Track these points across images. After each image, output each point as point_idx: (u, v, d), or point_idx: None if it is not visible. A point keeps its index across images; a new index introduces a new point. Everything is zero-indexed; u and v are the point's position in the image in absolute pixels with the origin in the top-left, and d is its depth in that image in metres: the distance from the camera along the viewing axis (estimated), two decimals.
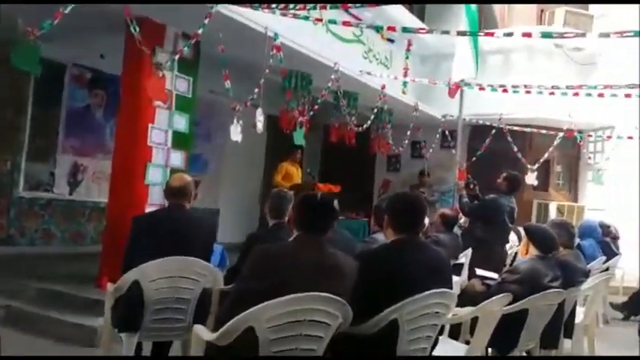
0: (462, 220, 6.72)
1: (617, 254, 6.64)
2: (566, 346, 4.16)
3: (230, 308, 2.35)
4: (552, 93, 7.34)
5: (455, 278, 3.90)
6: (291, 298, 2.19)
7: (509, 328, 3.31)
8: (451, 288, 2.85)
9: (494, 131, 9.14)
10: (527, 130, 9.37)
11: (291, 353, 2.27)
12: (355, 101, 8.04)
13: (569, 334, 4.12)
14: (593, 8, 10.21)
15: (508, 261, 6.06)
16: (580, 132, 9.28)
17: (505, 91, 7.57)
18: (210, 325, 2.79)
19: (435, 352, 2.89)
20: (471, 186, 6.30)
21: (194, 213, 3.67)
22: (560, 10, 9.95)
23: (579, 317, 4.40)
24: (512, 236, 6.39)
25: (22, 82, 6.99)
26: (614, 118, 9.25)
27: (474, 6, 7.67)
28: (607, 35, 4.57)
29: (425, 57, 10.19)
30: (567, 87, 7.09)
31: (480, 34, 6.85)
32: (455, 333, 3.56)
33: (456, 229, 6.31)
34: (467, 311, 3.27)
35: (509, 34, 5.68)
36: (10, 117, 7.01)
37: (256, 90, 5.67)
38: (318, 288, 2.26)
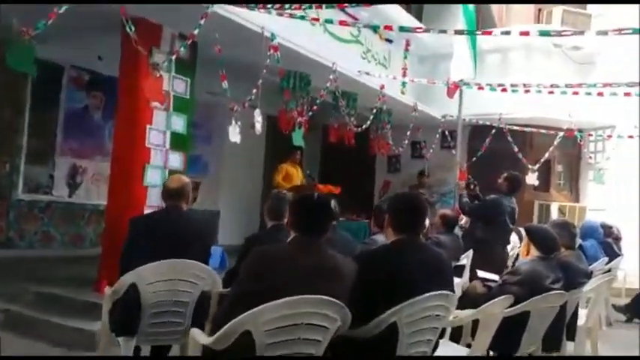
0: (463, 221, 6.68)
1: (619, 255, 6.59)
2: (569, 348, 4.11)
3: (226, 311, 2.32)
4: (552, 92, 7.30)
5: (456, 280, 3.87)
6: (288, 301, 2.15)
7: (510, 330, 3.28)
8: (452, 290, 2.82)
9: (494, 131, 9.11)
10: (528, 129, 9.33)
11: (289, 357, 2.23)
12: (354, 102, 8.00)
13: (571, 337, 4.08)
14: (592, 7, 10.18)
15: (510, 262, 6.02)
16: (580, 131, 9.24)
17: (504, 90, 7.53)
18: (209, 328, 2.76)
19: (437, 354, 2.86)
20: (472, 186, 6.28)
21: (192, 214, 3.64)
22: (558, 9, 9.93)
23: (582, 319, 4.35)
24: (514, 237, 6.35)
25: (19, 84, 6.97)
26: (615, 117, 9.21)
27: (471, 6, 7.64)
28: (605, 33, 4.54)
29: (423, 57, 10.16)
30: (567, 85, 7.06)
31: (477, 33, 6.80)
32: (456, 336, 3.53)
33: (457, 230, 6.28)
34: (468, 314, 3.23)
35: (507, 33, 5.66)
36: (8, 119, 6.99)
37: (254, 90, 5.64)
38: (316, 290, 2.23)
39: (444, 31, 5.65)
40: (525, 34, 5.19)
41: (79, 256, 6.99)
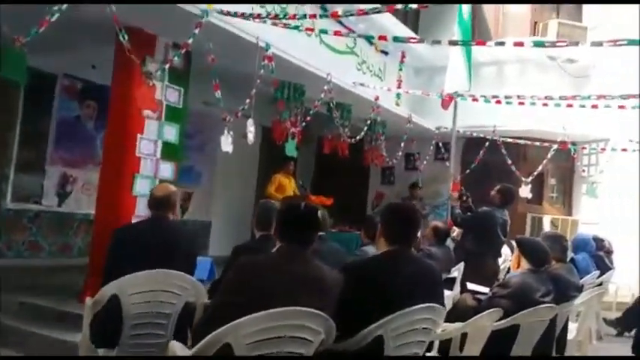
0: (455, 233, 6.65)
1: (610, 269, 6.56)
2: None
3: (206, 323, 2.27)
4: (546, 104, 7.30)
5: (447, 292, 3.84)
6: (271, 313, 2.10)
7: (499, 343, 3.23)
8: (442, 303, 2.78)
9: (488, 143, 9.11)
10: (522, 142, 9.33)
11: None
12: (349, 113, 8.01)
13: (561, 351, 4.03)
14: (587, 20, 10.21)
15: (502, 275, 5.98)
16: (574, 144, 9.24)
17: (498, 102, 7.54)
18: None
19: None
20: (464, 198, 6.25)
21: (178, 224, 3.60)
22: (554, 22, 9.95)
23: (572, 333, 4.31)
24: (506, 250, 6.32)
25: (11, 93, 6.92)
26: (609, 130, 9.20)
27: (466, 17, 7.66)
28: (600, 44, 4.52)
29: (419, 69, 10.18)
30: (561, 97, 7.05)
31: (471, 43, 6.81)
32: (444, 349, 3.48)
33: (449, 242, 6.25)
34: (456, 326, 3.19)
35: (501, 43, 5.66)
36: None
37: (247, 100, 5.62)
38: (300, 302, 2.18)
39: (438, 42, 5.66)
40: (520, 44, 5.18)
41: (67, 265, 6.91)
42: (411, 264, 2.72)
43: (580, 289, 4.20)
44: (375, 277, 2.62)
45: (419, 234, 4.58)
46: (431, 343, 2.91)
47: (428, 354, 2.91)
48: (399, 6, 4.28)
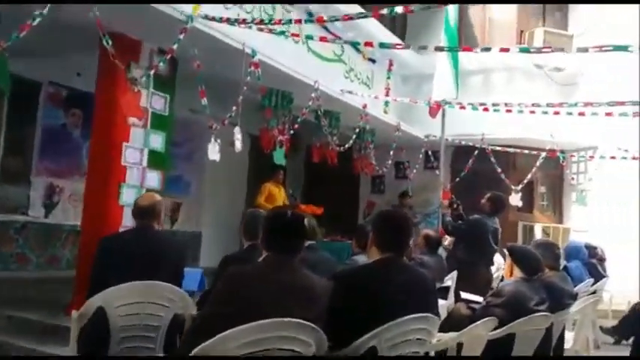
0: (447, 242, 6.61)
1: (604, 276, 6.53)
2: None
3: (194, 334, 2.18)
4: (533, 112, 7.31)
5: (441, 302, 3.77)
6: (259, 324, 2.02)
7: (496, 353, 3.17)
8: (436, 312, 2.72)
9: (477, 152, 9.12)
10: (511, 150, 9.34)
11: None
12: (337, 121, 7.97)
13: None
14: (573, 28, 10.27)
15: (495, 283, 5.93)
16: (563, 152, 9.28)
17: (486, 110, 7.54)
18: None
19: None
20: (455, 206, 6.22)
21: (163, 234, 3.51)
22: (540, 30, 9.99)
23: (569, 342, 4.26)
24: (498, 258, 6.27)
25: None
26: (597, 138, 9.25)
27: (453, 24, 7.68)
28: (586, 50, 4.51)
29: (406, 77, 10.18)
30: (548, 105, 7.06)
31: (457, 49, 6.82)
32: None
33: (441, 251, 6.20)
34: (451, 336, 3.12)
35: (487, 49, 5.66)
36: None
37: (234, 108, 5.56)
38: (289, 312, 2.11)
39: (424, 47, 5.64)
40: (505, 50, 5.18)
41: (55, 277, 6.74)
42: (404, 272, 2.66)
43: (575, 297, 4.15)
44: (366, 285, 2.56)
45: (411, 242, 4.51)
46: (426, 354, 2.83)
47: None
48: (385, 11, 4.23)
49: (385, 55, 9.09)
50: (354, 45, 7.42)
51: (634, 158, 8.19)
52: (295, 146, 8.37)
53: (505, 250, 3.84)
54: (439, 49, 6.73)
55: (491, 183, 8.26)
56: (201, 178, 9.31)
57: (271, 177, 8.26)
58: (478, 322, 3.10)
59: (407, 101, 8.55)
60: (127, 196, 5.20)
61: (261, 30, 5.27)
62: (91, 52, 5.14)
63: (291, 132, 6.90)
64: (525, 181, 9.11)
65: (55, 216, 7.57)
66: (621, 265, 7.98)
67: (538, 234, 9.49)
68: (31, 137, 7.29)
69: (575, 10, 10.37)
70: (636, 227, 8.86)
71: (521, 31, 10.53)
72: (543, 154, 8.96)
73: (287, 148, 6.90)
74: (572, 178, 10.13)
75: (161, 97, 5.66)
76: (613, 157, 8.65)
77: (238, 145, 5.78)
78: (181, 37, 4.88)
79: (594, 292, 5.55)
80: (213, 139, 5.51)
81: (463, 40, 9.77)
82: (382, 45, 5.66)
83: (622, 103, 6.04)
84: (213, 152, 5.52)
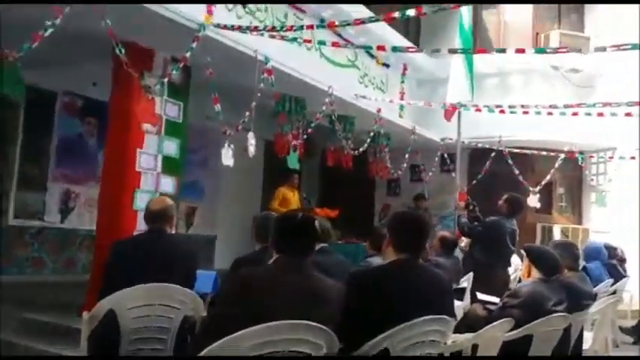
0: (463, 243, 6.54)
1: (624, 276, 6.41)
2: None
3: (203, 336, 2.17)
4: (550, 113, 7.22)
5: (457, 303, 3.71)
6: (268, 327, 1.99)
7: (512, 354, 3.11)
8: (452, 313, 2.67)
9: (494, 154, 9.07)
10: (528, 152, 9.26)
11: None
12: (351, 125, 7.97)
13: None
14: (590, 30, 10.15)
15: (513, 285, 5.86)
16: (582, 153, 9.17)
17: (502, 112, 7.48)
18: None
19: None
20: (471, 207, 6.16)
21: (175, 238, 3.52)
22: (555, 33, 9.89)
23: (588, 342, 4.17)
24: (516, 259, 6.20)
25: (11, 110, 6.89)
26: (616, 139, 9.12)
27: (467, 27, 7.62)
28: (603, 49, 4.45)
29: (421, 81, 10.12)
30: (565, 106, 6.97)
31: (471, 51, 6.77)
32: None
33: (458, 252, 6.14)
34: (467, 337, 3.06)
35: (502, 51, 5.61)
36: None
37: (247, 113, 5.59)
38: (299, 314, 2.08)
39: (437, 50, 5.62)
40: (521, 51, 5.13)
41: (70, 281, 6.79)
42: (419, 274, 2.62)
43: (594, 297, 4.06)
44: (380, 285, 2.52)
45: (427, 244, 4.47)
46: (440, 355, 2.78)
47: None
48: (397, 14, 4.20)
49: (399, 59, 9.08)
50: (367, 49, 7.40)
51: None
52: (310, 151, 8.37)
53: (522, 251, 3.77)
54: (452, 51, 6.68)
55: (509, 185, 8.17)
56: (217, 183, 9.35)
57: (286, 181, 8.27)
58: (495, 323, 3.04)
59: (421, 104, 8.52)
60: (142, 201, 5.21)
61: (273, 37, 5.29)
62: (105, 62, 5.19)
63: (305, 137, 6.93)
64: (544, 183, 9.03)
65: (71, 221, 7.66)
66: None
67: (557, 235, 9.38)
68: (48, 145, 7.40)
69: (591, 12, 10.26)
70: None
71: (537, 34, 10.44)
72: (562, 155, 8.87)
73: (301, 153, 6.91)
74: (592, 179, 10.03)
75: (175, 104, 5.71)
76: (633, 158, 8.54)
77: (252, 150, 5.81)
78: (194, 45, 4.93)
79: (614, 293, 5.46)
80: (226, 145, 5.53)
81: (478, 43, 9.72)
82: (395, 49, 5.65)
83: None
84: (227, 157, 5.54)
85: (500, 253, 5.75)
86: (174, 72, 5.27)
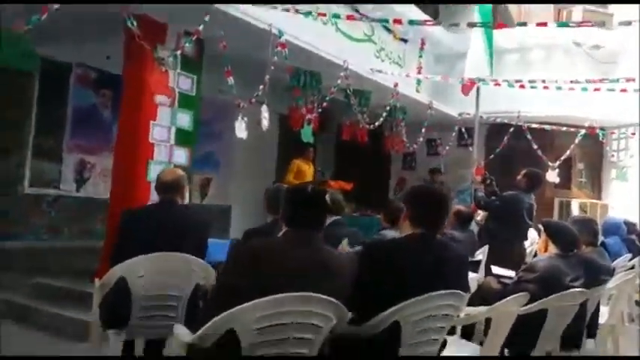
0: (479, 216, 6.47)
1: None
2: (589, 346, 3.84)
3: (212, 306, 2.15)
4: (572, 89, 7.08)
5: (471, 275, 3.66)
6: (276, 299, 1.97)
7: (526, 328, 3.06)
8: (466, 289, 2.63)
9: (512, 129, 8.95)
10: (547, 127, 9.09)
11: (280, 357, 2.06)
12: (367, 100, 7.86)
13: (592, 334, 3.81)
14: (612, 7, 9.87)
15: (529, 259, 5.80)
16: (602, 129, 8.99)
17: (522, 87, 7.35)
18: None
19: (446, 354, 2.66)
20: (488, 181, 6.08)
21: (187, 208, 3.50)
22: (578, 9, 9.67)
23: (604, 317, 4.12)
24: (532, 233, 6.13)
25: (26, 83, 6.91)
26: (638, 115, 8.90)
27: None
28: (628, 23, 4.33)
29: (439, 56, 9.90)
30: (587, 81, 6.82)
31: (490, 25, 6.61)
32: (468, 332, 3.33)
33: (473, 226, 6.08)
34: (480, 310, 3.02)
35: (523, 24, 5.46)
36: (14, 117, 6.91)
37: (261, 87, 5.56)
38: (308, 287, 2.05)
39: (456, 24, 5.49)
40: (543, 24, 5.01)
41: (86, 248, 6.79)
42: (435, 248, 2.55)
43: (612, 272, 3.99)
44: (394, 258, 2.47)
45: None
46: (453, 327, 2.74)
47: (450, 337, 2.75)
48: None
49: (417, 34, 8.88)
50: (383, 23, 7.27)
51: None
52: (325, 125, 8.30)
53: (540, 226, 3.70)
54: (472, 25, 6.57)
55: (527, 160, 8.09)
56: (231, 155, 9.32)
57: (301, 154, 8.25)
58: (509, 298, 2.98)
59: (439, 79, 8.40)
60: (155, 172, 5.13)
61: (287, 10, 5.24)
62: (118, 35, 5.16)
63: (320, 110, 6.86)
64: (563, 158, 8.91)
65: (87, 191, 7.73)
66: None
67: (575, 210, 9.26)
68: (63, 116, 7.41)
69: None
70: None
71: (559, 10, 10.20)
72: (582, 131, 8.70)
73: (316, 127, 6.85)
74: (612, 155, 9.89)
75: (188, 77, 5.68)
76: None
77: (265, 123, 5.80)
78: (207, 18, 4.90)
79: (632, 268, 5.38)
80: (240, 118, 5.55)
81: (498, 18, 9.50)
82: (412, 22, 5.54)
83: None
84: (240, 130, 5.56)
85: (517, 228, 5.70)
86: (187, 45, 5.25)
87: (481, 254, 5.31)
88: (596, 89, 6.99)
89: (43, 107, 7.15)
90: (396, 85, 7.95)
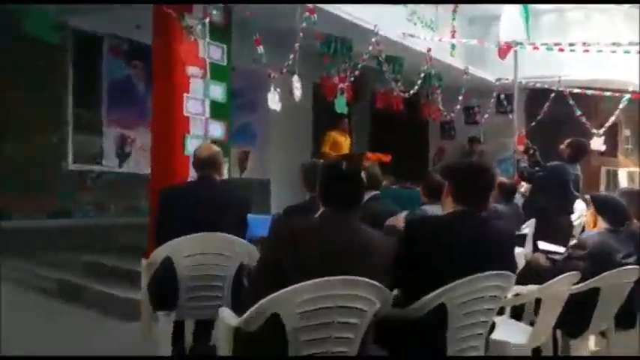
0: (523, 188, 6.29)
1: None
2: None
3: (254, 285, 2.17)
4: (614, 51, 6.76)
5: (518, 250, 3.54)
6: (319, 282, 1.91)
7: (578, 308, 2.95)
8: (513, 268, 2.51)
9: (553, 95, 8.65)
10: (590, 92, 8.75)
11: (325, 341, 2.00)
12: (400, 66, 7.63)
13: None
14: None
15: (577, 231, 5.62)
16: None
17: (561, 50, 7.08)
18: None
19: (495, 335, 2.57)
20: (531, 152, 5.88)
21: (225, 184, 3.49)
22: None
23: None
24: (580, 204, 5.90)
25: (60, 58, 6.94)
26: None
27: None
28: None
29: (473, 19, 9.57)
30: (630, 43, 6.50)
31: None
32: (518, 312, 3.24)
33: (518, 198, 5.91)
34: (531, 289, 2.92)
35: None
36: (52, 92, 6.96)
37: (291, 56, 5.47)
38: (346, 270, 1.98)
39: None
40: None
41: (133, 224, 6.88)
42: (479, 227, 2.45)
43: None
44: (439, 237, 2.38)
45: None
46: (502, 307, 2.65)
47: (499, 317, 2.66)
48: None
49: None
50: None
51: None
52: (359, 94, 8.14)
53: (587, 197, 3.55)
54: None
55: (570, 127, 7.83)
56: (267, 127, 9.20)
57: (336, 126, 8.13)
58: (560, 277, 2.86)
59: (474, 43, 8.12)
60: (192, 147, 5.11)
61: None
62: (147, 5, 5.12)
63: (352, 79, 6.71)
64: (608, 125, 8.56)
65: (129, 166, 7.77)
66: None
67: (622, 179, 8.97)
68: (99, 90, 7.44)
69: None
70: None
71: None
72: (627, 95, 8.33)
73: (349, 96, 6.71)
74: None
75: (218, 47, 5.59)
76: None
77: (297, 94, 5.73)
78: None
79: None
80: (272, 89, 5.48)
81: None
82: None
83: None
84: (274, 102, 5.50)
85: (563, 200, 5.53)
86: (214, 12, 5.17)
87: (527, 228, 5.17)
88: (639, 51, 6.67)
89: (79, 81, 7.18)
90: (429, 50, 7.73)
